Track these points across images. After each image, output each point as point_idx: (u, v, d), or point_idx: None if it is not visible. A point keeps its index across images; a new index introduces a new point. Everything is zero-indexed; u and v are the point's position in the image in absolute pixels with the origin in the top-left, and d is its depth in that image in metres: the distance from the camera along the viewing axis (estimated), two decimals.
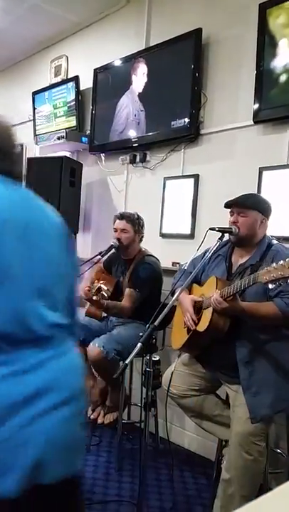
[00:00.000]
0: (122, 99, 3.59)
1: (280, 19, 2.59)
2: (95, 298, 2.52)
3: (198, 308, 2.22)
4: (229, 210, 2.21)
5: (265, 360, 2.04)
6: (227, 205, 2.21)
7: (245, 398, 2.01)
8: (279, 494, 0.62)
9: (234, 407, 2.08)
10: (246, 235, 2.14)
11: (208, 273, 2.31)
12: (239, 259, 2.22)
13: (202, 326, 2.13)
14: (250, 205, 2.15)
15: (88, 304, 2.86)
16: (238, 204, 2.16)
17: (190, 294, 2.35)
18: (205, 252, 2.31)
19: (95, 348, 2.61)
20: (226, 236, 2.23)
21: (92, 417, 2.88)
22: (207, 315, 2.12)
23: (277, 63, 2.60)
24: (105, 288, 2.53)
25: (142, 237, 2.99)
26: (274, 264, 1.77)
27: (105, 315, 2.99)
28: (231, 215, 2.19)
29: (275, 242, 2.17)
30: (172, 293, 2.40)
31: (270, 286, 1.81)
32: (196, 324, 2.18)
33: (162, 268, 2.98)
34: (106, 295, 2.56)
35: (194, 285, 2.38)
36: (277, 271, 1.74)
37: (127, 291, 2.84)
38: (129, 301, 2.80)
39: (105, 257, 2.97)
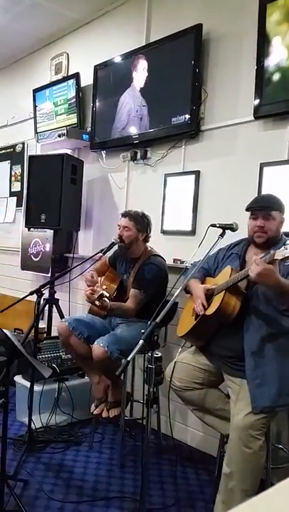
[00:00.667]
0: (124, 96, 3.58)
1: (274, 16, 2.57)
2: (97, 303, 2.54)
3: (209, 295, 2.25)
4: (250, 213, 2.23)
5: (272, 352, 2.06)
6: (250, 209, 2.23)
7: (249, 388, 2.03)
8: (281, 490, 0.62)
9: (236, 400, 2.09)
10: (273, 236, 2.18)
11: (220, 269, 2.35)
12: (253, 256, 2.23)
13: (211, 310, 2.16)
14: (275, 208, 2.18)
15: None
16: (264, 208, 2.18)
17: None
18: (218, 251, 2.39)
19: (99, 347, 2.60)
20: (228, 234, 2.25)
21: (95, 412, 2.88)
22: (217, 299, 2.14)
23: (277, 58, 2.59)
24: (107, 295, 2.53)
25: (147, 236, 2.94)
26: None
27: None
28: (254, 219, 2.20)
29: None
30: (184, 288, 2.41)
31: (287, 263, 1.91)
32: (205, 309, 2.20)
33: None
34: (108, 301, 2.57)
35: (207, 278, 2.42)
36: None
37: (132, 291, 2.82)
38: (133, 302, 2.78)
39: (109, 252, 2.96)
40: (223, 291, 2.12)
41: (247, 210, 2.24)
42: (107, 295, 2.53)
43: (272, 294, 2.06)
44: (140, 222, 2.89)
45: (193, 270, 2.21)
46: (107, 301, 2.56)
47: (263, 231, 2.17)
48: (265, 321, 2.09)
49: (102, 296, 2.51)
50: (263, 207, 2.19)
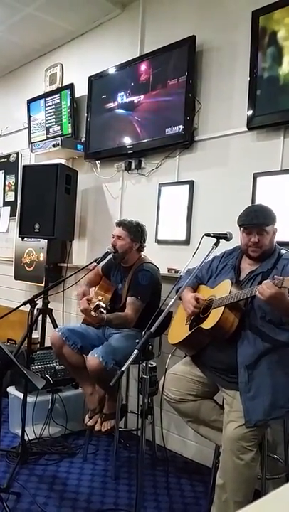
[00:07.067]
0: (119, 107, 3.58)
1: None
2: (93, 314, 2.46)
3: (206, 307, 2.21)
4: (242, 227, 2.20)
5: (266, 365, 2.04)
6: (242, 226, 2.19)
7: (242, 401, 2.01)
8: (274, 498, 0.62)
9: (229, 412, 2.07)
10: (268, 249, 2.17)
11: (215, 279, 2.33)
12: (248, 266, 2.24)
13: (208, 324, 2.11)
14: (268, 222, 2.15)
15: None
16: (258, 224, 2.15)
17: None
18: (213, 259, 2.38)
19: (94, 358, 2.58)
20: (222, 243, 2.24)
21: (89, 424, 2.85)
22: (215, 313, 2.10)
23: (271, 70, 2.62)
24: (104, 305, 2.46)
25: (141, 246, 2.93)
26: None
27: None
28: (248, 234, 2.17)
29: (283, 251, 2.19)
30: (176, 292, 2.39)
31: None
32: (202, 321, 2.18)
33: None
34: (104, 312, 2.51)
35: (202, 286, 2.39)
36: None
37: (129, 299, 2.77)
38: (132, 309, 2.73)
39: (103, 262, 2.95)
40: (223, 307, 2.07)
41: (240, 226, 2.20)
42: (104, 306, 2.46)
43: (269, 309, 2.02)
44: (134, 231, 2.87)
45: (189, 278, 2.18)
46: (104, 312, 2.49)
47: (257, 246, 2.15)
48: (260, 335, 2.06)
49: (98, 306, 2.43)
50: (257, 224, 2.15)
